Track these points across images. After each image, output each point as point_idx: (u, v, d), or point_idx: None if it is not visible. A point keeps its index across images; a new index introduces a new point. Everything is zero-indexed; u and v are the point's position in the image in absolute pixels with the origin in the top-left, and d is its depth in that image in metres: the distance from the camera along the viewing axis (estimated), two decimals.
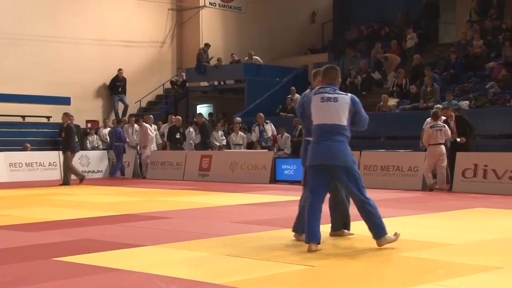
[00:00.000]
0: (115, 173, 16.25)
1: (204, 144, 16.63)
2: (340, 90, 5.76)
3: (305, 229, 5.57)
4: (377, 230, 5.53)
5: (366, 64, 18.88)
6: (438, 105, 12.82)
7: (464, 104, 14.66)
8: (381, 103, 16.20)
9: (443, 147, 11.59)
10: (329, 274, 4.71)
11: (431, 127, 11.63)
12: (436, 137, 11.51)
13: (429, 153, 11.68)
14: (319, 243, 5.47)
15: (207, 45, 20.60)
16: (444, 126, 11.66)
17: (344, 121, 5.57)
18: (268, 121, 16.24)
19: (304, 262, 5.00)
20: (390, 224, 6.92)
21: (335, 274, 4.72)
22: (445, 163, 11.64)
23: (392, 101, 16.47)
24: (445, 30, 20.89)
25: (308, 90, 6.19)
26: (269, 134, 15.90)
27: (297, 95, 18.63)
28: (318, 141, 5.60)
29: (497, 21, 17.80)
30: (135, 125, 16.80)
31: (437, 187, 11.79)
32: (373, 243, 5.80)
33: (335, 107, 5.56)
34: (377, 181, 12.59)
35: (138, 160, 16.54)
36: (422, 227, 6.98)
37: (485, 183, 11.22)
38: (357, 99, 5.71)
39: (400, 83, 17.10)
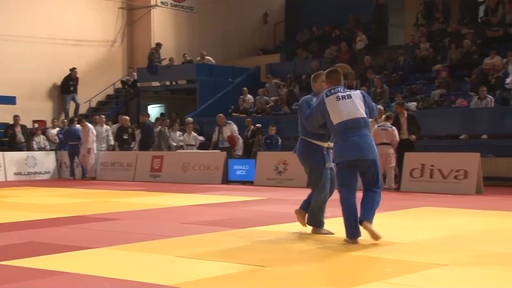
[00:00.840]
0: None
1: (144, 143, 16.43)
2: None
3: (347, 226, 5.81)
4: (369, 214, 5.79)
5: (318, 65, 19.11)
6: (380, 107, 13.15)
7: (412, 105, 15.04)
8: None
9: (390, 147, 11.86)
10: (280, 274, 4.75)
11: (378, 126, 11.89)
12: (381, 137, 11.76)
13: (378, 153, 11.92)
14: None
15: (158, 45, 20.43)
16: (391, 127, 11.93)
17: (363, 113, 5.88)
18: (230, 122, 16.10)
19: (256, 262, 5.02)
20: (340, 225, 7.05)
21: (285, 274, 4.76)
22: (393, 163, 11.90)
23: None
24: (394, 33, 21.33)
25: (310, 96, 6.38)
26: (225, 135, 15.81)
27: (249, 96, 18.70)
28: (345, 138, 5.83)
29: (443, 25, 18.33)
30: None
31: (385, 187, 12.05)
32: (324, 242, 5.89)
33: (352, 103, 5.85)
34: None
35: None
36: (377, 226, 7.09)
37: (432, 183, 11.53)
38: (365, 93, 6.13)
39: (350, 85, 17.37)
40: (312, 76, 6.52)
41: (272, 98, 18.44)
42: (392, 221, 7.53)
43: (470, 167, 11.16)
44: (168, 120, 17.91)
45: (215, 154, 14.93)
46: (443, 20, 18.67)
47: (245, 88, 18.73)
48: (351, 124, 5.80)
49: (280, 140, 15.42)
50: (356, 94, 5.94)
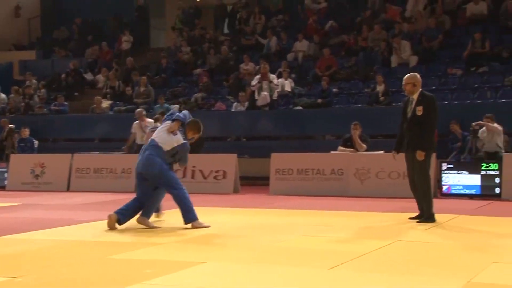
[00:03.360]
0: None
1: None
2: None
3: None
4: (187, 215, 7.07)
5: (77, 64, 18.46)
6: (139, 109, 13.39)
7: (175, 107, 15.39)
8: (94, 105, 16.02)
9: None
10: (32, 285, 4.45)
11: (150, 129, 12.07)
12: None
13: None
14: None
15: None
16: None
17: (155, 136, 7.18)
18: None
19: (6, 274, 4.63)
20: (94, 228, 6.89)
21: (38, 284, 4.47)
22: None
23: (106, 103, 16.40)
24: (156, 35, 21.57)
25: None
26: None
27: (3, 95, 17.23)
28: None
29: (202, 31, 19.14)
30: None
31: None
32: (81, 248, 5.68)
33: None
34: (90, 184, 12.40)
35: None
36: (129, 229, 7.07)
37: (194, 183, 11.91)
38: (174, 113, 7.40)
39: (113, 85, 17.14)
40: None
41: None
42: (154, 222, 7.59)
43: (228, 167, 11.82)
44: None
45: None
46: (202, 26, 19.49)
47: None
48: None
49: (36, 142, 14.52)
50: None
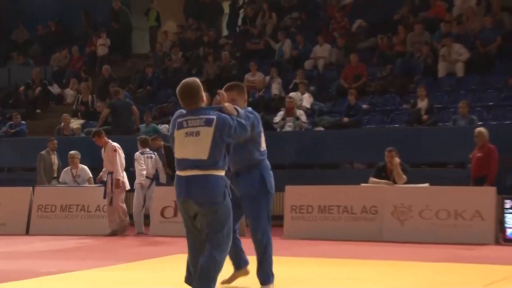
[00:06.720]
0: None
1: None
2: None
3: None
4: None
5: (41, 74, 18.55)
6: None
7: (164, 128, 15.21)
8: (62, 124, 15.74)
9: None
10: None
11: (141, 153, 12.37)
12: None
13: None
14: None
15: None
16: (155, 154, 12.55)
17: None
18: None
19: None
20: (70, 281, 6.86)
21: None
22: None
23: (76, 123, 16.25)
24: (139, 38, 21.53)
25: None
26: None
27: None
28: None
29: (198, 32, 19.17)
30: None
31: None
32: None
33: None
34: (55, 225, 12.36)
35: None
36: (111, 282, 7.03)
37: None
38: None
39: (85, 101, 17.07)
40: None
41: None
42: (137, 274, 7.55)
43: None
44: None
45: None
46: (197, 27, 19.48)
47: None
48: None
49: None
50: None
